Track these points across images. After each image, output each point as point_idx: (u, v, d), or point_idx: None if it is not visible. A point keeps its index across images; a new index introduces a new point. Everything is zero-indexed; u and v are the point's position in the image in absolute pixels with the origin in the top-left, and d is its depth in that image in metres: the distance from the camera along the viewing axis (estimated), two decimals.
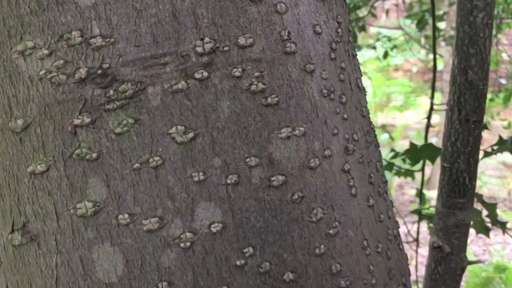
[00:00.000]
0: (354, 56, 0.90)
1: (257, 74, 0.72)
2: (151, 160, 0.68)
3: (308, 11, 0.78)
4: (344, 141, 0.80)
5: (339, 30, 0.84)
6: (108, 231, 0.69)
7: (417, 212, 2.40)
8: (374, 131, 0.92)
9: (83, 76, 0.67)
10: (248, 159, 0.71)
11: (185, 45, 0.69)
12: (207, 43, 0.69)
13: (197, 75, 0.69)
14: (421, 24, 5.02)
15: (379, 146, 0.94)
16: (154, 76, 0.68)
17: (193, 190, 0.69)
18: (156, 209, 0.69)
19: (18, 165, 0.70)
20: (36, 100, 0.68)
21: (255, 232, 0.70)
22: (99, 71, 0.67)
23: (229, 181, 0.70)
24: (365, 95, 0.92)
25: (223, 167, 0.70)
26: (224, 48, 0.70)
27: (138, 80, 0.68)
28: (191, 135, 0.69)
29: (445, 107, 1.38)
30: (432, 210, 2.46)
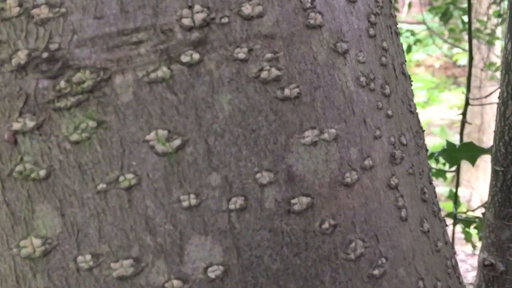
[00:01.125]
0: (398, 34, 0.69)
1: (269, 55, 0.51)
2: (121, 178, 0.49)
3: None
4: (390, 146, 0.59)
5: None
6: (65, 278, 0.49)
7: (452, 216, 2.17)
8: (423, 131, 0.71)
9: (22, 62, 0.48)
10: (258, 175, 0.50)
11: (167, 16, 0.49)
12: (198, 12, 0.49)
13: (185, 58, 0.49)
14: (445, 17, 4.80)
15: (427, 150, 0.73)
16: (122, 60, 0.48)
17: (182, 220, 0.49)
18: (130, 248, 0.49)
19: None
20: None
21: (270, 277, 0.50)
22: (45, 54, 0.47)
23: (232, 206, 0.50)
24: (411, 85, 0.71)
25: (223, 186, 0.50)
26: (222, 20, 0.50)
27: (100, 66, 0.48)
28: (177, 142, 0.49)
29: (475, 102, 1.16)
30: (469, 214, 2.23)
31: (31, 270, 0.49)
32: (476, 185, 5.51)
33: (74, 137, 0.48)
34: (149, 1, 0.48)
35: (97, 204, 0.49)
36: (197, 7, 0.49)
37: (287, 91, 0.52)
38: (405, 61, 0.69)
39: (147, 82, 0.48)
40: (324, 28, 0.54)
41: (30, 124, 0.48)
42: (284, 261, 0.51)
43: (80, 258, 0.49)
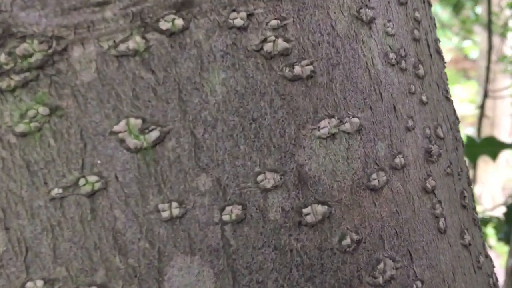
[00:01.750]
0: (430, 5, 0.57)
1: (274, 22, 0.40)
2: (82, 181, 0.37)
3: None
4: (424, 140, 0.47)
5: None
6: None
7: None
8: (459, 122, 0.59)
9: None
10: (260, 177, 0.39)
11: None
12: None
13: (164, 25, 0.37)
14: (457, 8, 4.67)
15: (464, 145, 0.61)
16: (82, 27, 0.37)
17: (161, 236, 0.38)
18: (95, 271, 0.38)
19: None
20: None
21: None
22: None
23: (226, 218, 0.38)
24: (445, 65, 0.59)
25: (215, 192, 0.38)
26: None
27: (52, 34, 0.36)
28: (154, 134, 0.38)
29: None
30: (487, 214, 2.11)
31: None
32: (486, 179, 5.37)
33: (21, 127, 0.37)
34: None
35: (51, 215, 0.38)
36: None
37: (297, 69, 0.40)
38: (439, 39, 0.58)
39: (114, 55, 0.37)
40: None
41: None
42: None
43: (29, 284, 0.38)
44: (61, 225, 0.38)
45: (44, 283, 0.38)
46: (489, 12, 2.02)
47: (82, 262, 0.38)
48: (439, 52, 0.56)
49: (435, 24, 0.58)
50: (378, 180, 0.42)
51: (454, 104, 0.59)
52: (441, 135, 0.50)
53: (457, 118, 0.59)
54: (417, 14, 0.51)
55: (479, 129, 2.11)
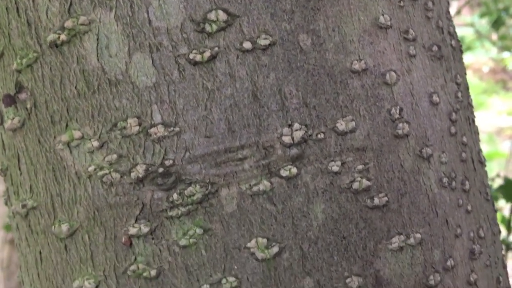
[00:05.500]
0: (474, 121, 0.71)
1: (360, 167, 0.55)
2: (224, 281, 0.53)
3: (423, 77, 0.60)
4: (469, 242, 0.62)
5: (459, 94, 0.66)
6: None
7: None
8: (496, 212, 0.73)
9: (140, 175, 0.53)
10: (348, 280, 0.54)
11: (269, 134, 0.53)
12: (296, 130, 0.53)
13: (284, 172, 0.53)
14: (497, 24, 4.67)
15: (500, 231, 0.74)
16: (229, 175, 0.53)
17: None
18: None
19: (62, 277, 0.57)
20: (84, 202, 0.55)
21: None
22: (161, 169, 0.53)
23: None
24: (485, 168, 0.73)
25: None
26: (319, 136, 0.54)
27: (209, 180, 0.53)
28: (275, 249, 0.53)
29: None
30: None
31: None
32: None
33: (183, 241, 0.54)
34: (253, 120, 0.53)
35: None
36: (296, 125, 0.53)
37: (376, 200, 0.55)
38: (481, 149, 0.72)
39: (249, 194, 0.53)
40: (410, 136, 0.58)
41: (145, 229, 0.54)
42: None
43: None
44: None
45: None
46: None
47: None
48: (481, 162, 0.70)
49: (478, 134, 0.72)
50: (434, 280, 0.57)
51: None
52: (482, 235, 0.64)
53: (495, 211, 0.72)
54: (464, 139, 0.65)
55: None
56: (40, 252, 0.58)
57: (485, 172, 0.72)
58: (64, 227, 0.56)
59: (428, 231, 0.58)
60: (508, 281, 0.72)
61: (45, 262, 0.58)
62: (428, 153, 0.59)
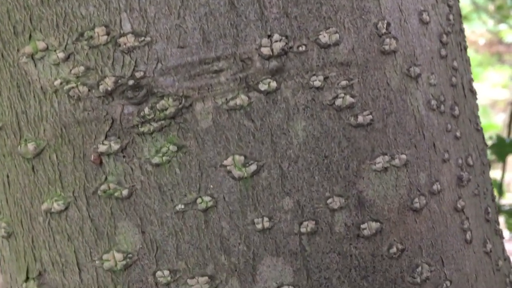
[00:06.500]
0: (466, 49, 0.68)
1: (344, 83, 0.52)
2: (199, 200, 0.51)
3: None
4: (457, 169, 0.59)
5: (451, 16, 0.63)
6: None
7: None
8: (487, 146, 0.71)
9: (109, 88, 0.50)
10: (329, 200, 0.52)
11: (247, 45, 0.50)
12: (276, 41, 0.50)
13: (262, 86, 0.50)
14: None
15: (490, 166, 0.72)
16: (204, 88, 0.50)
17: (255, 241, 0.51)
18: (206, 266, 0.51)
19: (31, 200, 0.54)
20: (51, 119, 0.52)
21: None
22: (131, 82, 0.50)
23: (303, 230, 0.51)
24: (477, 99, 0.71)
25: (295, 210, 0.51)
26: (300, 48, 0.51)
27: (182, 94, 0.50)
28: (253, 167, 0.51)
29: None
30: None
31: (113, 281, 0.53)
32: None
33: (156, 160, 0.51)
34: (230, 30, 0.50)
35: (175, 223, 0.51)
36: (275, 36, 0.50)
37: (360, 118, 0.52)
38: (473, 78, 0.69)
39: (226, 109, 0.50)
40: (398, 53, 0.55)
41: (115, 147, 0.51)
42: (352, 284, 0.52)
43: (159, 273, 0.52)
44: (183, 231, 0.51)
45: (169, 272, 0.52)
46: None
47: (197, 259, 0.51)
48: (472, 90, 0.67)
49: (470, 65, 0.69)
50: (419, 203, 0.55)
51: (484, 130, 0.70)
52: (471, 163, 0.62)
53: (486, 144, 0.70)
54: (455, 63, 0.62)
55: (509, 127, 2.18)
56: (8, 176, 0.55)
57: (476, 104, 0.69)
58: (31, 146, 0.53)
59: (414, 153, 0.55)
60: (497, 215, 0.70)
61: (12, 186, 0.55)
62: (416, 73, 0.56)
